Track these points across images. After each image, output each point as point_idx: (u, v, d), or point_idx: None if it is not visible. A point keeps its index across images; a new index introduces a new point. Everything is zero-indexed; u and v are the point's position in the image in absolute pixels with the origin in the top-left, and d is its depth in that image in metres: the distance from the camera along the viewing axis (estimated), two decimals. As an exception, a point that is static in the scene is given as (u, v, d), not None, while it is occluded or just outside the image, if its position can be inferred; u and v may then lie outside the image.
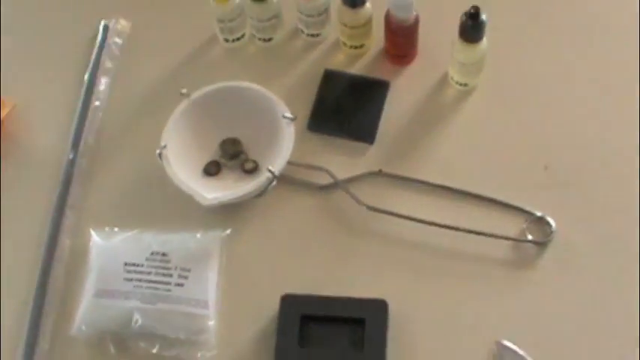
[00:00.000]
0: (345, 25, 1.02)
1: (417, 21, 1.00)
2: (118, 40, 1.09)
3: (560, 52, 1.06)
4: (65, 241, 0.97)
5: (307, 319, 0.89)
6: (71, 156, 1.01)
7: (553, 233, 0.94)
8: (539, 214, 0.95)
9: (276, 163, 0.93)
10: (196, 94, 0.98)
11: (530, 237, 0.94)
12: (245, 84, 0.98)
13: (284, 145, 0.95)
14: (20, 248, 0.98)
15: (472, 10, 0.93)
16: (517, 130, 1.01)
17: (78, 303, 0.93)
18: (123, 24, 1.10)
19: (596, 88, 1.04)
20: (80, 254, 0.96)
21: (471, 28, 0.95)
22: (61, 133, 1.04)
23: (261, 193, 0.94)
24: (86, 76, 1.07)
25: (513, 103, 1.03)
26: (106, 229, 0.97)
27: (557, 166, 0.98)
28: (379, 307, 0.89)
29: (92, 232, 0.96)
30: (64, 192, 1.00)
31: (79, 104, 1.05)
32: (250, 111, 0.99)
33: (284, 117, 0.96)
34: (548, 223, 0.94)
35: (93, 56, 1.08)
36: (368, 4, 1.00)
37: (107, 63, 1.08)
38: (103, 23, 1.10)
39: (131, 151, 1.03)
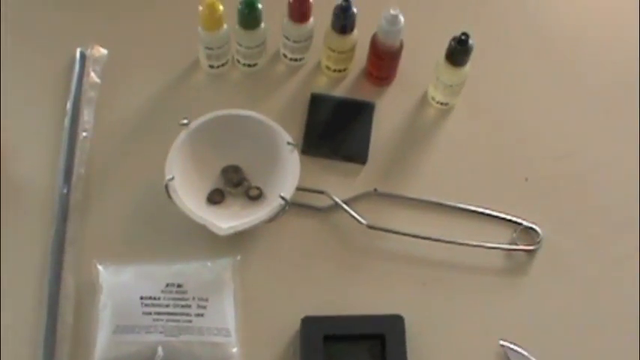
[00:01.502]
0: (333, 51, 1.05)
1: (401, 45, 1.05)
2: (96, 67, 1.07)
3: (530, 69, 1.15)
4: (68, 278, 0.95)
5: (329, 339, 0.92)
6: (65, 190, 0.99)
7: (541, 241, 1.02)
8: (525, 223, 1.02)
9: (286, 189, 0.96)
10: (196, 123, 0.99)
11: (519, 245, 1.01)
12: (245, 112, 1.00)
13: (290, 171, 0.98)
14: (21, 289, 0.95)
15: (462, 37, 0.99)
16: (496, 146, 1.08)
17: (93, 341, 0.91)
18: (100, 51, 1.08)
19: (566, 101, 1.12)
20: (86, 291, 0.95)
21: (459, 52, 1.00)
22: (48, 166, 1.02)
23: (271, 219, 0.96)
24: (68, 106, 1.04)
25: (490, 120, 1.10)
26: (113, 263, 0.95)
27: (536, 177, 1.06)
28: (396, 322, 0.94)
29: (99, 268, 0.95)
30: (62, 228, 0.98)
31: (65, 136, 1.03)
32: (250, 138, 1.01)
33: (288, 144, 0.98)
34: (535, 232, 1.02)
35: (73, 86, 1.06)
36: (355, 30, 1.04)
37: (89, 92, 1.06)
38: (79, 51, 1.08)
39: (125, 182, 1.02)
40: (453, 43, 1.00)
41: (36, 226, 0.99)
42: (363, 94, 1.10)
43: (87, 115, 1.05)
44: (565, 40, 1.18)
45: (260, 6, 1.01)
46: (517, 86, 1.13)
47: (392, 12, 1.00)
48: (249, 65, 1.09)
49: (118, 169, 1.03)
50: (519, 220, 1.02)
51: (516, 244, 1.01)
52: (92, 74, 1.07)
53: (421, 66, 1.09)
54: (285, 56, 1.10)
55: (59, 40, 1.11)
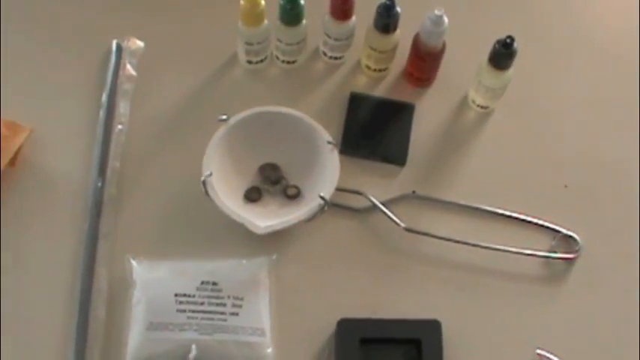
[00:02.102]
0: (374, 50, 1.04)
1: (444, 47, 1.03)
2: (133, 60, 1.06)
3: (572, 75, 1.13)
4: (101, 272, 0.94)
5: (364, 342, 0.91)
6: (99, 184, 0.98)
7: (580, 249, 1.00)
8: (564, 231, 1.00)
9: (325, 189, 0.94)
10: (235, 119, 0.97)
11: (558, 253, 1.00)
12: (285, 109, 0.99)
13: (329, 170, 0.96)
14: (53, 283, 0.94)
15: (507, 40, 0.97)
16: (535, 151, 1.07)
17: (125, 337, 0.90)
18: (136, 43, 1.07)
19: (608, 107, 1.11)
20: (119, 286, 0.94)
21: (503, 55, 0.99)
22: (82, 159, 1.01)
23: (310, 219, 0.95)
24: (104, 99, 1.03)
25: (530, 125, 1.09)
26: (146, 259, 0.94)
27: (576, 184, 1.04)
28: (433, 327, 0.92)
29: (133, 263, 0.94)
30: (95, 221, 0.96)
31: (101, 128, 1.01)
32: (288, 136, 0.99)
33: (328, 143, 0.97)
34: (574, 240, 1.00)
35: (109, 78, 1.04)
36: (398, 30, 1.03)
37: (125, 84, 1.04)
38: (115, 43, 1.07)
39: (160, 176, 1.01)
40: (497, 46, 0.98)
41: (69, 220, 0.97)
42: (402, 95, 1.08)
43: (122, 108, 1.04)
44: (610, 43, 1.16)
45: (302, 2, 1.00)
46: (559, 91, 1.12)
47: (437, 13, 0.98)
48: (288, 62, 1.07)
49: (154, 163, 1.02)
50: (558, 228, 1.01)
51: (555, 252, 1.00)
52: (128, 67, 1.06)
53: (462, 68, 1.07)
54: (324, 54, 1.08)
55: (95, 31, 1.10)
